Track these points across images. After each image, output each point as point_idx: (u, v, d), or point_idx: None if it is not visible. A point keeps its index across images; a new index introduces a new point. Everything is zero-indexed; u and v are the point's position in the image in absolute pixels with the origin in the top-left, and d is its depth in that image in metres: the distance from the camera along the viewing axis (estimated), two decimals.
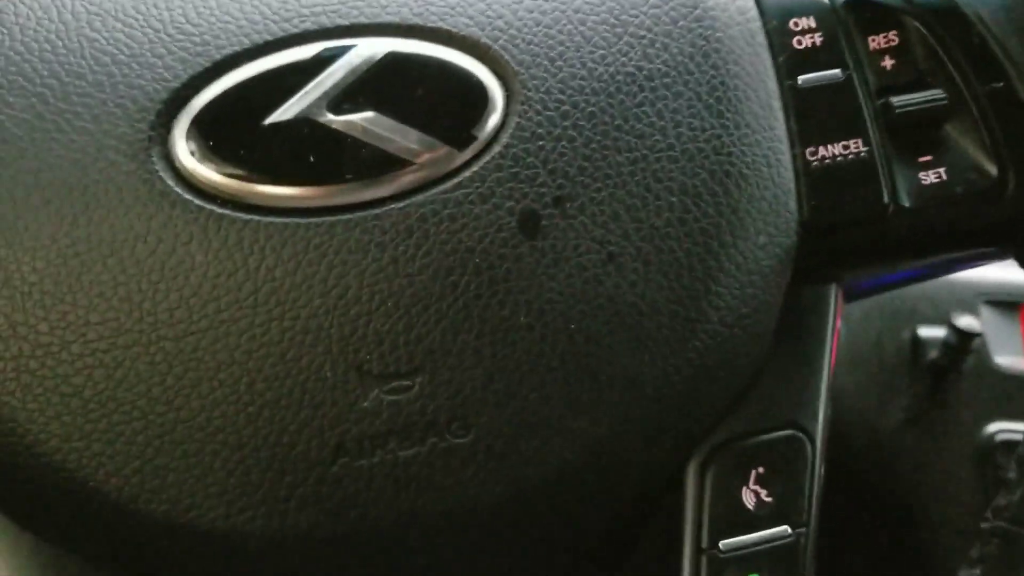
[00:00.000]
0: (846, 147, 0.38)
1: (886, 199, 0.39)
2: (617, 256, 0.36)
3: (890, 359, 0.74)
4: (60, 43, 0.35)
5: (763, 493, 0.39)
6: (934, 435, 0.72)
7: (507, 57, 0.36)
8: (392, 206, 0.35)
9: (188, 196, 0.34)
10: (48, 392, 0.34)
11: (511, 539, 0.38)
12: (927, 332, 0.73)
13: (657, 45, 0.37)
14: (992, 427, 0.72)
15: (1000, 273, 0.74)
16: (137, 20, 0.36)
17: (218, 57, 0.35)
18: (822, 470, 0.41)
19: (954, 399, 0.73)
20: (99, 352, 0.34)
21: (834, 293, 0.41)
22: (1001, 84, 0.39)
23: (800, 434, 0.40)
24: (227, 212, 0.34)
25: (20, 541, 0.37)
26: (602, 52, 0.36)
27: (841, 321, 0.43)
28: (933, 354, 0.73)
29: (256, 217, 0.34)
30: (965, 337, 0.71)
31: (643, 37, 0.37)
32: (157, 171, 0.34)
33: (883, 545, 0.72)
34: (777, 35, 0.39)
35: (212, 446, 0.34)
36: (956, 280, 0.74)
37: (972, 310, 0.73)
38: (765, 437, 0.40)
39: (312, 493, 0.34)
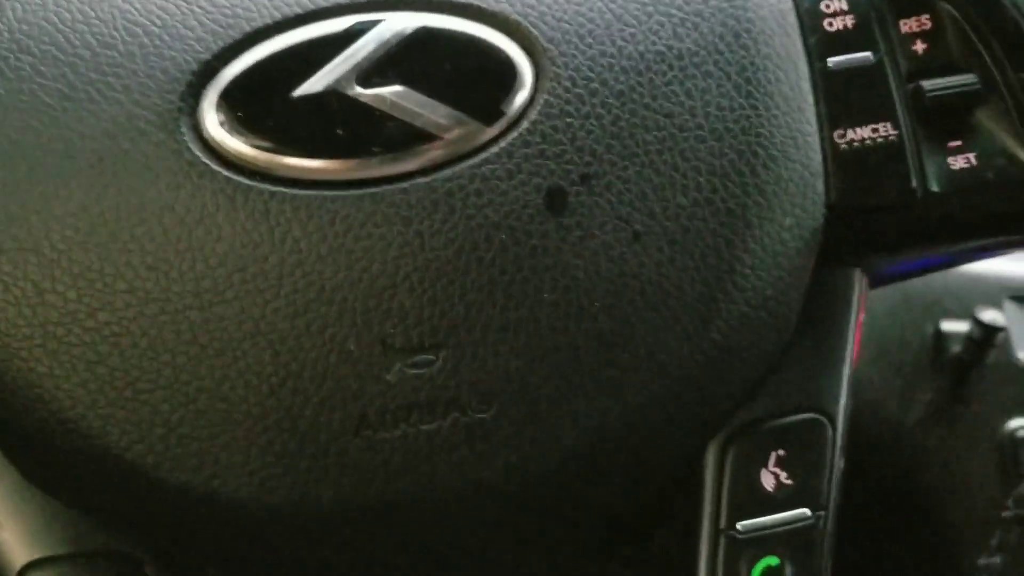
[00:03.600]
0: (875, 130, 0.38)
1: (914, 183, 0.38)
2: (643, 235, 0.35)
3: (912, 352, 0.73)
4: (92, 13, 0.35)
5: (783, 476, 0.39)
6: (955, 429, 0.71)
7: (536, 33, 0.36)
8: (419, 180, 0.35)
9: (216, 167, 0.34)
10: (74, 359, 0.34)
11: (529, 516, 0.38)
12: (950, 326, 0.73)
13: (688, 24, 0.36)
14: (1013, 423, 0.71)
15: None
16: None
17: (248, 29, 0.35)
18: (842, 454, 0.41)
19: (976, 394, 0.72)
20: (125, 320, 0.34)
21: (859, 278, 0.41)
22: None
23: (821, 417, 0.40)
24: (254, 184, 0.34)
25: (37, 505, 0.38)
26: (632, 30, 0.36)
27: (864, 312, 0.43)
28: (956, 348, 0.72)
29: (283, 189, 0.34)
30: (989, 331, 0.71)
31: (673, 16, 0.37)
32: (186, 142, 0.34)
33: (903, 536, 0.71)
34: (809, 17, 0.38)
35: (235, 415, 0.34)
36: (980, 274, 0.73)
37: (996, 304, 0.72)
38: (786, 420, 0.40)
39: (334, 464, 0.34)
